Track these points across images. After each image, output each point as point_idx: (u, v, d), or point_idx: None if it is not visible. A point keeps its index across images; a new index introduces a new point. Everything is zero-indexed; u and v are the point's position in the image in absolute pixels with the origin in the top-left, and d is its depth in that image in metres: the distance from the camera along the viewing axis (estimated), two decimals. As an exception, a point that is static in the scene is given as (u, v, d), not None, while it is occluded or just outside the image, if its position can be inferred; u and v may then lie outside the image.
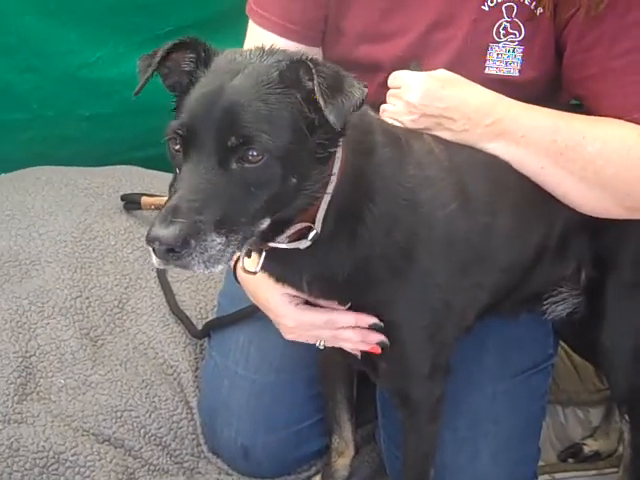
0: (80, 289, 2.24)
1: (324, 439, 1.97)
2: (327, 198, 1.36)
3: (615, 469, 2.03)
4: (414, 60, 1.64)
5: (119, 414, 1.96)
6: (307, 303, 1.57)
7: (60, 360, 2.07)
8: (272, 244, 1.38)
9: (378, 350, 1.56)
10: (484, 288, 1.65)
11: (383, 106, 1.63)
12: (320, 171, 1.32)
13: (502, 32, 1.66)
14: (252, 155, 1.24)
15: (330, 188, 1.35)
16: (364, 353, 1.58)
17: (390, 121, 1.59)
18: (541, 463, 2.02)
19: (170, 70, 1.37)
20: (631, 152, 1.58)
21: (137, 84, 1.40)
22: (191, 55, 1.35)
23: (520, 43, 1.66)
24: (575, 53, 1.64)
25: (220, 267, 1.24)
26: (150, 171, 2.74)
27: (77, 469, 1.82)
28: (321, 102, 1.21)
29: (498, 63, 1.67)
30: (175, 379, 2.10)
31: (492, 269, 1.64)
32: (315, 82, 1.22)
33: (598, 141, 1.58)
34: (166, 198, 2.42)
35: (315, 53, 1.76)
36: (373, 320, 1.53)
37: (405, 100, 1.58)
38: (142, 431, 1.96)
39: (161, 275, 2.32)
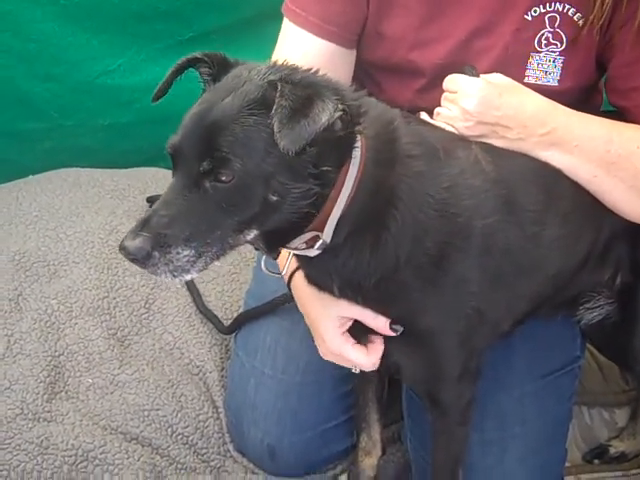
0: (107, 289, 2.27)
1: (350, 439, 1.97)
2: (338, 209, 1.36)
3: (641, 470, 2.03)
4: (468, 64, 1.63)
5: (146, 413, 1.99)
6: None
7: (88, 360, 2.10)
8: (288, 249, 1.41)
9: None
10: (524, 297, 1.65)
11: (438, 109, 1.62)
12: (312, 189, 1.32)
13: (544, 42, 1.67)
14: (224, 177, 1.28)
15: (343, 198, 1.36)
16: (394, 359, 1.60)
17: (444, 126, 1.59)
18: (567, 464, 2.01)
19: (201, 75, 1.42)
20: None
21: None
22: (207, 70, 1.41)
23: (561, 54, 1.67)
24: (623, 65, 1.66)
25: (190, 276, 1.32)
26: (175, 173, 2.76)
27: (105, 467, 1.84)
28: (275, 126, 1.23)
29: (538, 72, 1.68)
30: (201, 379, 2.12)
31: (536, 279, 1.64)
32: (275, 104, 1.24)
33: None
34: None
35: (349, 55, 1.77)
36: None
37: (461, 106, 1.58)
38: (169, 430, 1.98)
39: (186, 275, 2.34)
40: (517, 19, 1.66)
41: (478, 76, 1.60)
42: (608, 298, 1.78)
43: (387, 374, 1.83)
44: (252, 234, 1.34)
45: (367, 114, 1.39)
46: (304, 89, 1.26)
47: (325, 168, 1.32)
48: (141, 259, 1.28)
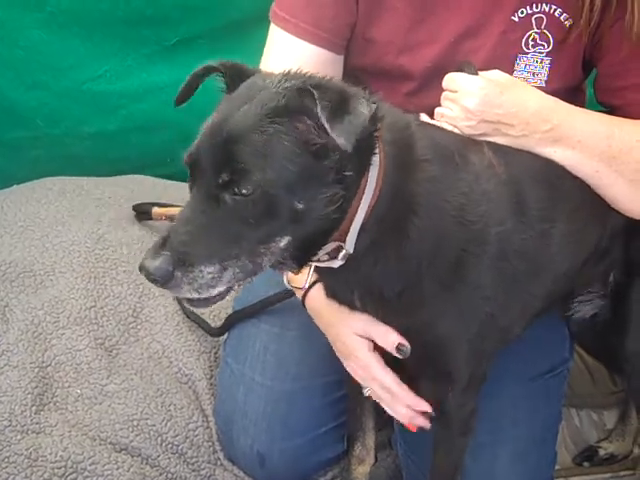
0: (94, 299, 2.25)
1: (340, 445, 1.97)
2: (359, 218, 1.35)
3: (631, 471, 2.04)
4: (466, 61, 1.62)
5: (135, 423, 1.97)
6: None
7: (76, 370, 2.08)
8: (311, 262, 1.40)
9: (414, 430, 1.62)
10: (536, 299, 1.65)
11: (438, 110, 1.62)
12: (337, 193, 1.30)
13: (531, 43, 1.68)
14: (244, 189, 1.24)
15: (364, 206, 1.35)
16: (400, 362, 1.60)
17: (447, 126, 1.59)
18: (557, 467, 2.01)
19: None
20: None
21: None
22: (223, 79, 1.39)
23: (548, 54, 1.68)
24: (613, 64, 1.67)
25: (217, 291, 1.27)
26: (162, 180, 2.77)
27: (95, 478, 1.83)
28: (327, 127, 1.20)
29: (525, 74, 1.69)
30: (190, 387, 2.11)
31: (547, 279, 1.64)
32: (318, 108, 1.21)
33: None
34: (175, 209, 2.46)
35: (339, 61, 1.77)
36: (429, 409, 1.58)
37: (463, 105, 1.57)
38: (159, 439, 1.97)
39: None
40: (504, 20, 1.67)
41: (477, 73, 1.59)
42: (600, 291, 1.78)
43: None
44: (284, 241, 1.30)
45: (384, 119, 1.38)
46: (334, 89, 1.25)
47: (348, 173, 1.30)
48: (162, 280, 1.23)
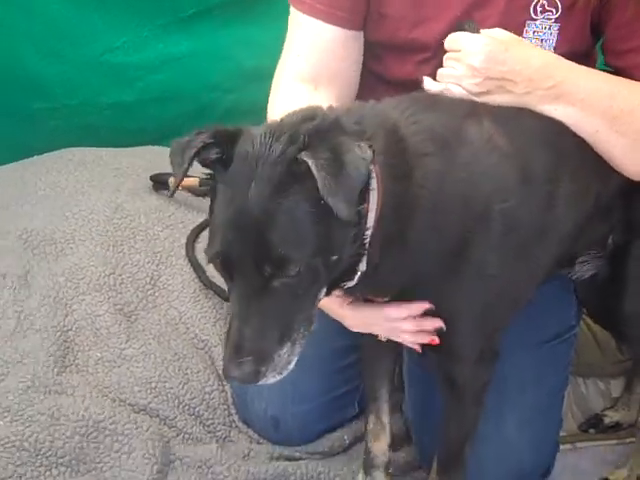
0: (113, 266, 2.32)
1: (351, 410, 2.04)
2: (368, 236, 1.39)
3: (634, 439, 2.08)
4: (468, 20, 1.64)
5: (153, 385, 2.04)
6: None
7: (96, 334, 2.15)
8: None
9: (437, 341, 1.61)
10: (543, 262, 1.68)
11: (441, 71, 1.64)
12: (356, 228, 1.35)
13: (539, 9, 1.69)
14: (290, 272, 1.29)
15: (370, 225, 1.38)
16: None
17: (451, 87, 1.61)
18: (563, 433, 2.07)
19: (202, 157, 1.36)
20: None
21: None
22: (216, 150, 1.34)
23: (556, 20, 1.69)
24: (621, 26, 1.68)
25: (293, 363, 1.35)
26: (179, 151, 2.80)
27: (115, 437, 1.89)
28: (329, 201, 1.22)
29: (534, 40, 1.69)
30: (206, 353, 2.18)
31: (552, 241, 1.66)
32: (318, 180, 1.22)
33: None
34: (193, 179, 2.50)
35: (359, 37, 1.79)
36: (426, 306, 1.57)
37: (467, 63, 1.59)
38: (176, 402, 2.03)
39: (190, 253, 2.39)
40: None
41: (479, 32, 1.61)
42: (598, 252, 1.81)
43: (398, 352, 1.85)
44: (324, 291, 1.38)
45: (370, 131, 1.40)
46: (327, 149, 1.25)
47: (359, 208, 1.34)
48: (255, 381, 1.32)
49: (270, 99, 1.83)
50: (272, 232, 1.26)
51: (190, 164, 1.33)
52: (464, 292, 1.56)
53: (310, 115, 1.37)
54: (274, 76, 1.85)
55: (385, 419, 1.88)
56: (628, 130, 1.63)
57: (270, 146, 1.29)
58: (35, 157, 2.78)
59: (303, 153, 1.25)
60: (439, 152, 1.47)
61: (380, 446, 1.89)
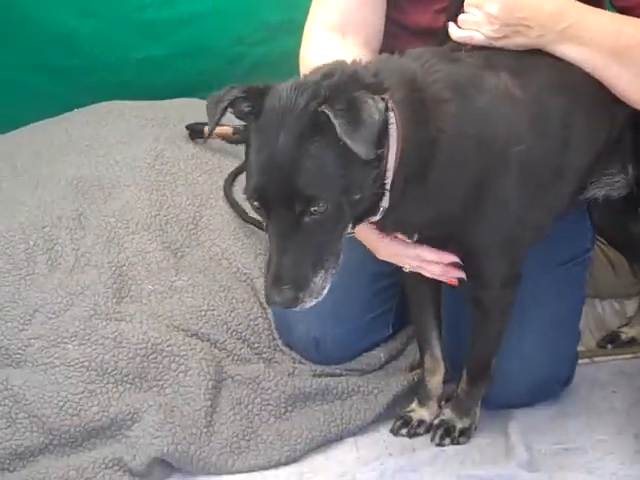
0: (158, 208, 2.47)
1: (386, 330, 2.19)
2: (389, 177, 1.55)
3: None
4: None
5: (203, 313, 2.19)
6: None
7: (147, 269, 2.31)
8: None
9: (455, 282, 1.80)
10: (560, 196, 1.84)
11: (462, 17, 1.78)
12: (376, 170, 1.51)
13: None
14: (318, 208, 1.46)
15: (391, 167, 1.53)
16: None
17: (471, 33, 1.75)
18: (582, 349, 2.21)
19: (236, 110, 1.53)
20: None
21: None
22: (247, 104, 1.51)
23: None
24: None
25: (327, 289, 1.53)
26: (210, 102, 2.94)
27: (173, 358, 2.05)
28: (348, 143, 1.39)
29: None
30: (249, 284, 2.32)
31: (568, 177, 1.82)
32: (337, 126, 1.38)
33: None
34: (227, 128, 2.64)
35: None
36: (454, 259, 1.75)
37: (485, 11, 1.74)
38: (224, 327, 2.18)
39: (228, 194, 2.54)
40: None
41: None
42: (612, 179, 1.95)
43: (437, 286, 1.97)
44: (350, 227, 1.56)
45: (388, 82, 1.55)
46: (344, 101, 1.41)
47: (379, 151, 1.49)
48: (294, 306, 1.50)
49: (302, 50, 1.98)
50: (299, 174, 1.44)
51: (222, 114, 1.50)
52: (486, 227, 1.71)
53: (330, 72, 1.54)
54: (305, 27, 2.00)
55: (438, 354, 2.00)
56: (633, 64, 1.78)
57: (295, 100, 1.46)
58: (75, 111, 2.93)
59: (324, 106, 1.41)
60: (457, 98, 1.62)
61: (436, 379, 2.02)
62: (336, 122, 1.39)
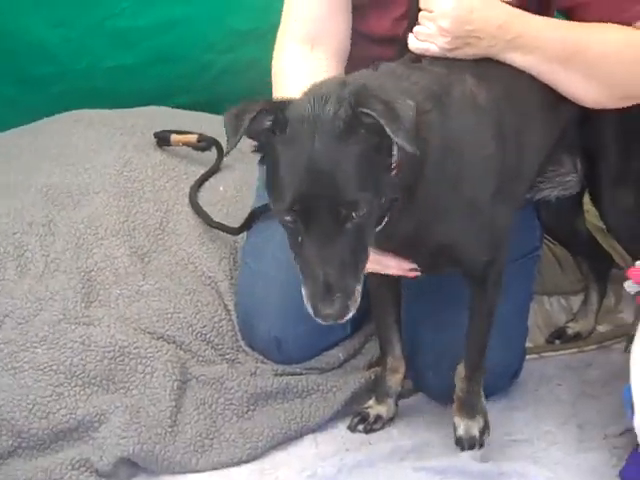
0: (126, 215, 2.55)
1: (346, 330, 2.26)
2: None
3: (593, 346, 2.36)
4: None
5: (169, 316, 2.26)
6: None
7: (115, 274, 2.39)
8: None
9: (414, 276, 1.89)
10: (518, 196, 1.98)
11: (417, 28, 1.88)
12: (392, 172, 1.58)
13: None
14: (360, 213, 1.49)
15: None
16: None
17: (425, 45, 1.86)
18: (530, 345, 2.32)
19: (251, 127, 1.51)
20: (626, 49, 1.93)
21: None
22: (269, 117, 1.51)
23: None
24: None
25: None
26: (178, 110, 3.03)
27: (139, 360, 2.13)
28: (396, 140, 1.44)
29: None
30: (213, 287, 2.40)
31: (525, 177, 1.96)
32: (384, 125, 1.43)
33: (598, 44, 1.92)
34: (191, 136, 2.70)
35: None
36: (412, 266, 1.84)
37: (438, 25, 1.84)
38: (189, 329, 2.26)
39: (194, 200, 2.62)
40: None
41: None
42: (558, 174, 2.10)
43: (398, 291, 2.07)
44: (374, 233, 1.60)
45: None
46: (378, 101, 1.46)
47: (394, 153, 1.56)
48: (345, 315, 1.51)
49: (273, 62, 2.08)
50: (341, 178, 1.46)
51: (247, 126, 1.47)
52: (462, 225, 1.80)
53: (341, 82, 1.61)
54: (277, 39, 2.10)
55: (400, 354, 2.07)
56: (580, 68, 1.91)
57: (324, 107, 1.49)
58: (45, 119, 2.99)
59: (363, 108, 1.46)
60: (436, 108, 1.72)
61: (397, 377, 2.09)
62: (382, 121, 1.43)
